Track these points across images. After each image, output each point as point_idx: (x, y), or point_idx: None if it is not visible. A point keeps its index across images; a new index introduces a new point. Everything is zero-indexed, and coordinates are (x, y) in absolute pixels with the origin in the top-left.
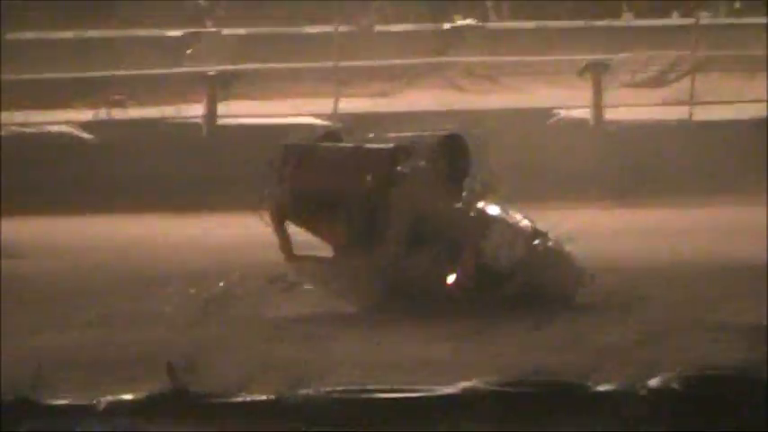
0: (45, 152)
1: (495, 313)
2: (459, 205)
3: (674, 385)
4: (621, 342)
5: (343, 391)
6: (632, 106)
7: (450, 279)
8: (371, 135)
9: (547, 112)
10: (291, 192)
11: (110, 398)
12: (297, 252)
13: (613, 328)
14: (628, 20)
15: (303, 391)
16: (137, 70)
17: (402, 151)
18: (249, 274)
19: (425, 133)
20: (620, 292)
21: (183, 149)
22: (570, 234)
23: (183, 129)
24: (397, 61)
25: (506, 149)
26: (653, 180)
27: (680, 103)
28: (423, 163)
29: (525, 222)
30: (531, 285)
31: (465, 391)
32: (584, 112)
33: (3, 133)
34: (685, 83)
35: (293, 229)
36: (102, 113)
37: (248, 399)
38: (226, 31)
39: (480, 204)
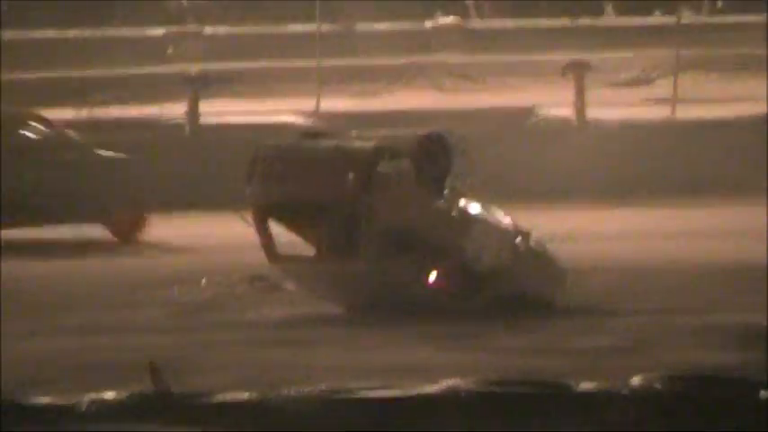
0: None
1: (476, 314)
2: (441, 204)
3: (658, 386)
4: (603, 344)
5: (328, 392)
6: (615, 106)
7: (432, 279)
8: (353, 134)
9: (529, 112)
10: (273, 191)
11: (93, 398)
12: (279, 252)
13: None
14: (610, 19)
15: (287, 393)
16: (119, 70)
17: (383, 150)
18: (232, 275)
19: (407, 132)
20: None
21: (165, 149)
22: (552, 234)
23: (165, 128)
24: (380, 61)
25: (489, 148)
26: (636, 179)
27: (662, 101)
28: (404, 162)
29: (508, 222)
30: (514, 285)
31: (449, 391)
32: (566, 112)
33: None
34: (668, 81)
35: (275, 229)
36: (85, 113)
37: (232, 399)
38: (208, 31)
39: (462, 203)
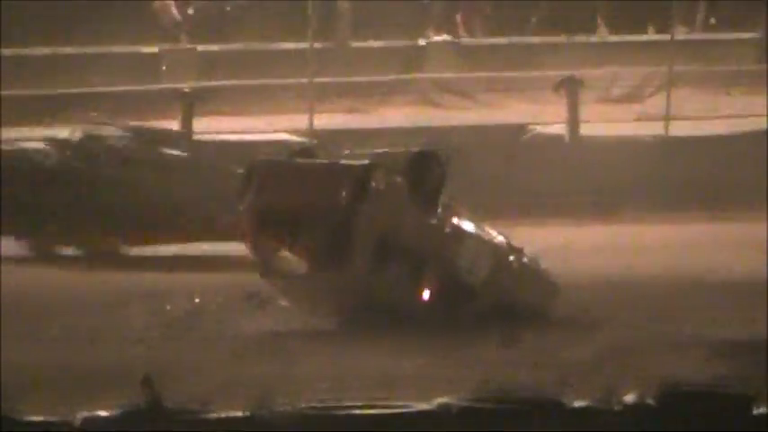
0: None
1: (468, 329)
2: (433, 221)
3: (650, 401)
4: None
5: (317, 406)
6: (608, 122)
7: (425, 295)
8: (346, 151)
9: (522, 128)
10: (266, 208)
11: (85, 413)
12: (272, 267)
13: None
14: (603, 35)
15: (278, 406)
16: (113, 87)
17: (376, 167)
18: (224, 291)
19: (400, 149)
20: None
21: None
22: (545, 250)
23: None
24: (372, 77)
25: (481, 165)
26: (629, 195)
27: (656, 117)
28: (396, 179)
29: (500, 238)
30: (505, 301)
31: (440, 406)
32: (559, 128)
33: None
34: (661, 98)
35: (269, 244)
36: (79, 130)
37: (223, 414)
38: (201, 48)
39: (455, 220)
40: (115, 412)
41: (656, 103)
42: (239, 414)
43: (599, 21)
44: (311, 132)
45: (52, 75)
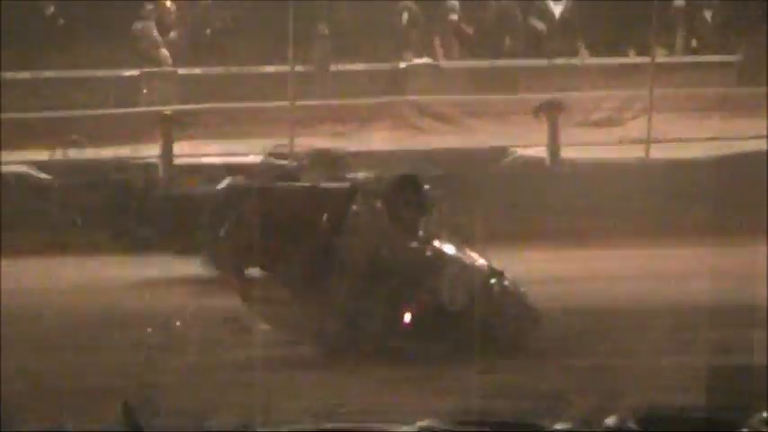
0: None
1: (448, 353)
2: (415, 245)
3: (631, 425)
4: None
5: (299, 431)
6: (588, 145)
7: (406, 320)
8: (327, 175)
9: (503, 152)
10: (247, 232)
11: None
12: (252, 293)
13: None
14: (583, 59)
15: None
16: (93, 110)
17: (356, 192)
18: (205, 316)
19: (381, 173)
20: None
21: (140, 190)
22: (526, 275)
23: (139, 169)
24: (352, 101)
25: (462, 189)
26: (610, 219)
27: (637, 141)
28: (378, 203)
29: (481, 262)
30: (486, 324)
31: (422, 430)
32: (539, 152)
33: None
34: (642, 121)
35: (249, 270)
36: (59, 154)
37: None
38: (182, 71)
39: (436, 244)
40: None
41: (637, 127)
42: None
43: (579, 44)
44: (292, 156)
45: (32, 98)
